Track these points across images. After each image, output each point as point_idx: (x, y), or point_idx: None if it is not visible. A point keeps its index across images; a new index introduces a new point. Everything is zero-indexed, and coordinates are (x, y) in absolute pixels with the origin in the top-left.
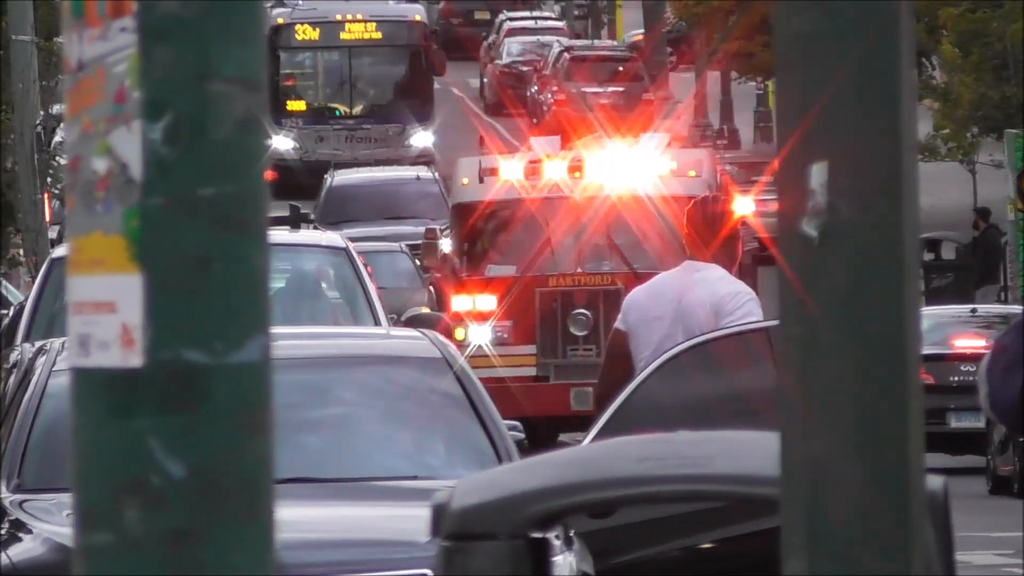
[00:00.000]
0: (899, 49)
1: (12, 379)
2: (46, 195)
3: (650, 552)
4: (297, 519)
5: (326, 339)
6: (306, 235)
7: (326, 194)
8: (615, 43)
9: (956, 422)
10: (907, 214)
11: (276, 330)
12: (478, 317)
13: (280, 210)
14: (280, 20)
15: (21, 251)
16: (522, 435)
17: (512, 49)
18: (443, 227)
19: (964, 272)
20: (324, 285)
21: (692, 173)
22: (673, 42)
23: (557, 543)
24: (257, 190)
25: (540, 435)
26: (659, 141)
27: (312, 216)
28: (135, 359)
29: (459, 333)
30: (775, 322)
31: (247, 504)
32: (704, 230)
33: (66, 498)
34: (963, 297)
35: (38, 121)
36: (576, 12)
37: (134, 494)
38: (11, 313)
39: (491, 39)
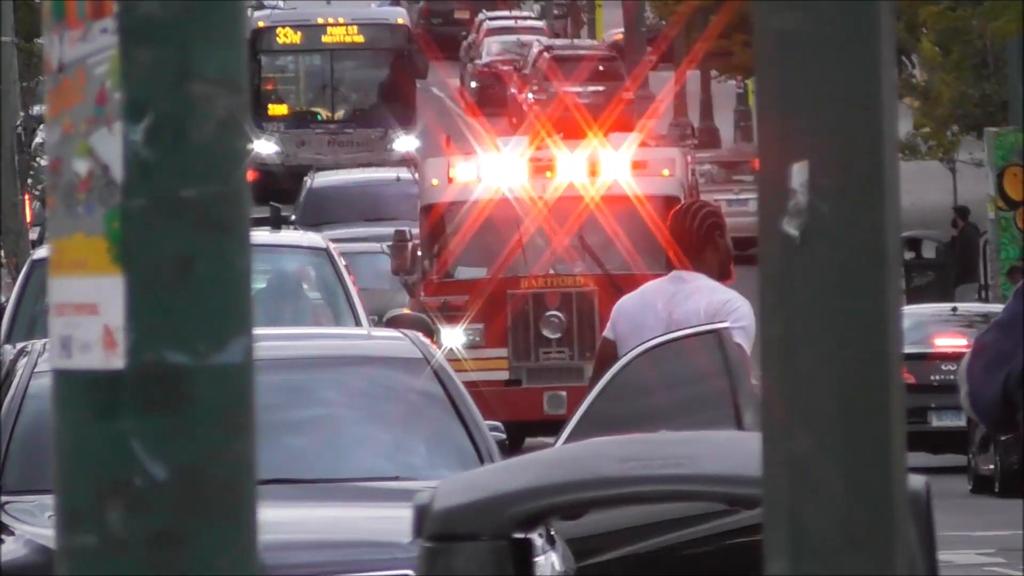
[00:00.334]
0: (879, 47)
1: None
2: (27, 196)
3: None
4: (280, 519)
5: (308, 340)
6: (287, 236)
7: (306, 196)
8: (595, 42)
9: (937, 421)
10: (888, 213)
11: (258, 331)
12: (449, 320)
13: (260, 212)
14: (261, 23)
15: (2, 252)
16: (503, 435)
17: (492, 48)
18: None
19: (945, 271)
20: (305, 286)
21: (665, 172)
22: (652, 40)
23: (539, 543)
24: (239, 191)
25: (513, 439)
26: (630, 140)
27: (292, 218)
28: (117, 361)
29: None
30: (725, 325)
31: (230, 505)
32: (687, 240)
33: (48, 500)
34: (944, 296)
35: (18, 122)
36: (556, 11)
37: (117, 496)
38: None
39: (471, 39)
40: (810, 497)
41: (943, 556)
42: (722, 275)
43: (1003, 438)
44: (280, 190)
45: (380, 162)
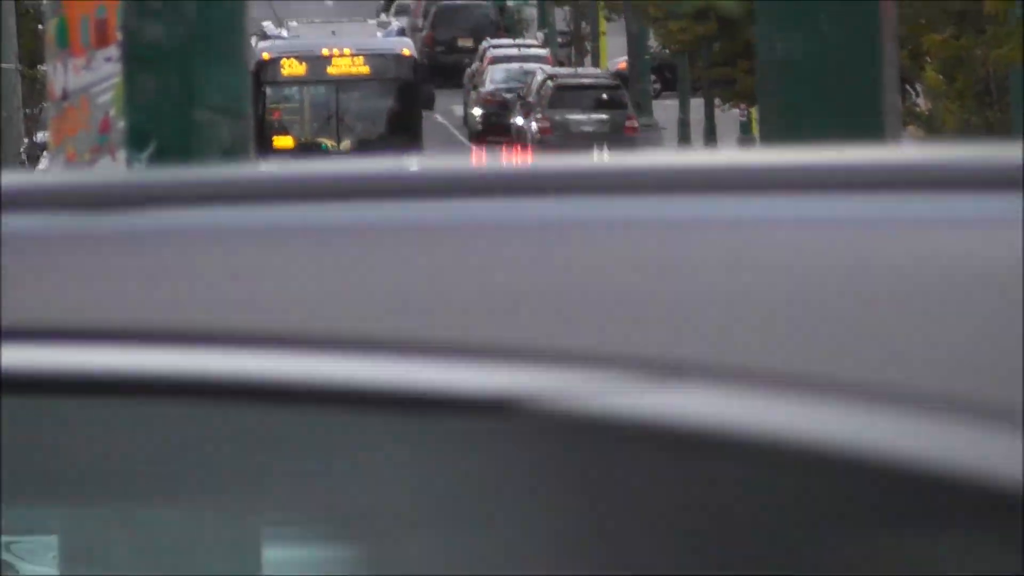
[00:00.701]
0: (882, 76)
1: None
2: None
3: None
4: None
5: None
6: None
7: None
8: (599, 71)
9: None
10: None
11: None
12: None
13: None
14: (266, 55)
15: None
16: None
17: (496, 76)
18: None
19: None
20: None
21: None
22: (657, 69)
23: None
24: None
25: None
26: None
27: None
28: None
29: None
30: None
31: None
32: None
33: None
34: None
35: (22, 149)
36: (560, 40)
37: None
38: None
39: (474, 66)
40: None
41: None
42: None
43: None
44: None
45: None
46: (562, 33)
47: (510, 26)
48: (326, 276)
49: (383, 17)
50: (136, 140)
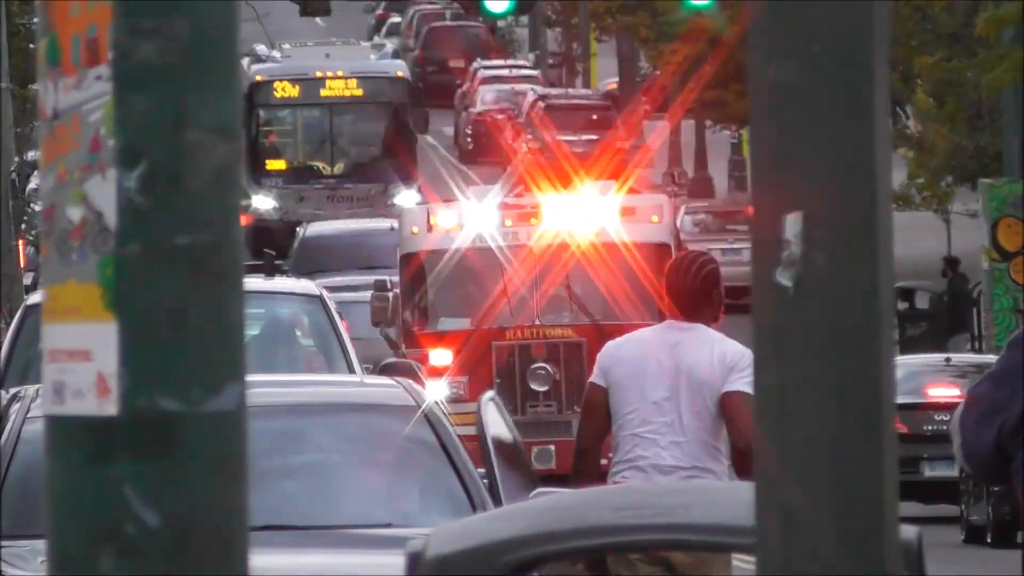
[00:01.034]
0: (873, 98)
1: None
2: (21, 241)
3: None
4: (272, 566)
5: (301, 387)
6: (280, 283)
7: (299, 245)
8: (589, 92)
9: (930, 471)
10: (882, 264)
11: (251, 378)
12: (432, 373)
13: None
14: (259, 77)
15: None
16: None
17: (486, 97)
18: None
19: (938, 322)
20: (298, 332)
21: (655, 219)
22: (647, 90)
23: None
24: (233, 239)
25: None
26: (613, 187)
27: (286, 267)
28: (111, 407)
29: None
30: None
31: (222, 552)
32: (688, 293)
33: (41, 545)
34: (937, 346)
35: (13, 167)
36: (550, 61)
37: (109, 542)
38: None
39: (465, 87)
40: (803, 547)
41: None
42: (713, 321)
43: (995, 488)
44: (278, 246)
45: (380, 217)
46: (553, 54)
47: (501, 47)
48: None
49: (377, 39)
50: (126, 159)
